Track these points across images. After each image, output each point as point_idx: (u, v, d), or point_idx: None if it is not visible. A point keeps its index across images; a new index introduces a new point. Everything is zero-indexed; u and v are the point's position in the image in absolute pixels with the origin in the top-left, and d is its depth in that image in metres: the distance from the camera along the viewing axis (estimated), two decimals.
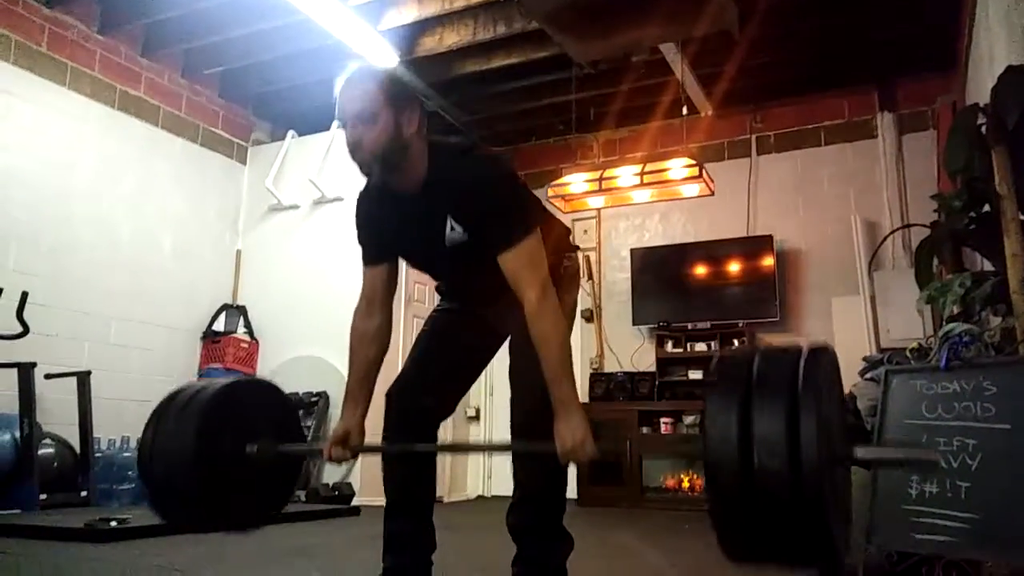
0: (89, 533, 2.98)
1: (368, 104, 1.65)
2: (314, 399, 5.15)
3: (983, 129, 2.38)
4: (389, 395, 1.89)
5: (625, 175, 5.00)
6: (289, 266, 5.74)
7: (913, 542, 2.02)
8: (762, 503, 1.16)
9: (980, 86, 3.54)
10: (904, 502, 2.06)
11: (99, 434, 4.35)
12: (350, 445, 1.81)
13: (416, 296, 5.40)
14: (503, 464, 1.94)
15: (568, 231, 2.15)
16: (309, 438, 4.94)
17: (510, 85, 5.74)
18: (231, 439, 1.83)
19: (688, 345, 5.70)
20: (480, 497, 6.17)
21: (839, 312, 5.39)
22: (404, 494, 1.88)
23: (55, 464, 4.11)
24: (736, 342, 5.53)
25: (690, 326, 5.73)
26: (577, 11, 4.42)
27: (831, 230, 5.63)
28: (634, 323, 6.00)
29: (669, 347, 5.75)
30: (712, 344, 5.62)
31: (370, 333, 1.86)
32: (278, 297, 5.70)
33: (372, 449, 1.88)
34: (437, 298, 2.13)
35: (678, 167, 4.87)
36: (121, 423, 4.71)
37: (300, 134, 5.96)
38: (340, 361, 5.10)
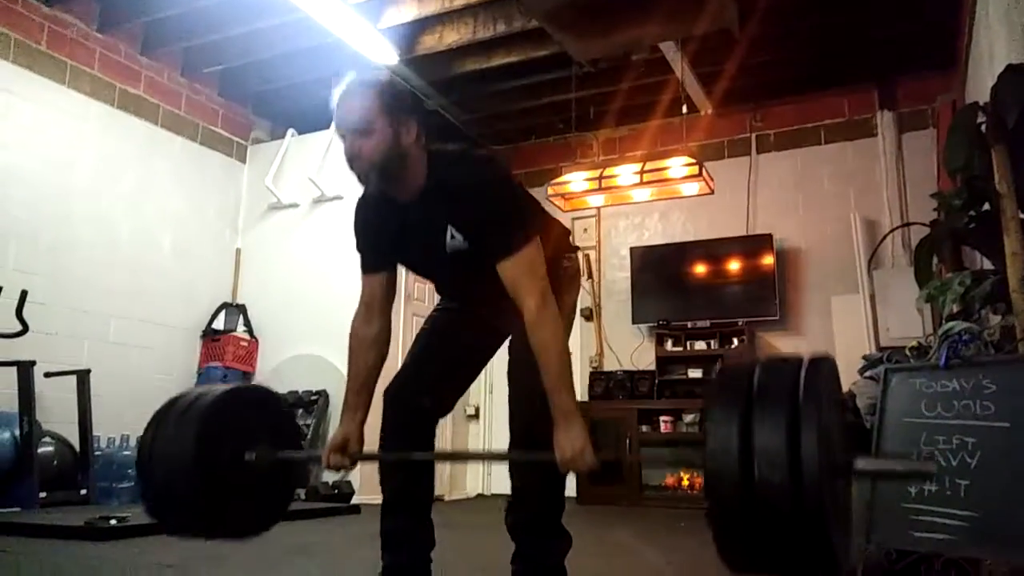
0: (89, 531, 2.98)
1: (365, 115, 1.65)
2: (314, 397, 5.15)
3: (983, 128, 2.38)
4: (387, 393, 1.89)
5: (625, 174, 5.00)
6: (289, 264, 5.74)
7: (912, 540, 2.02)
8: (763, 514, 1.16)
9: (980, 85, 3.54)
10: (903, 500, 2.06)
11: (99, 432, 4.35)
12: (349, 452, 1.81)
13: (416, 295, 5.40)
14: (503, 463, 1.95)
15: (567, 231, 2.15)
16: (308, 436, 4.95)
17: (510, 84, 5.74)
18: (230, 445, 1.83)
19: (688, 344, 5.70)
20: (480, 495, 6.18)
21: (839, 311, 5.39)
22: (402, 492, 1.88)
23: (55, 462, 4.12)
24: (736, 341, 5.53)
25: (690, 325, 5.73)
26: (577, 9, 4.42)
27: (831, 229, 5.63)
28: (634, 321, 6.00)
29: (669, 346, 5.75)
30: (712, 343, 5.62)
31: (369, 340, 1.86)
32: (278, 295, 5.70)
33: (371, 457, 1.88)
34: (437, 297, 2.12)
35: (678, 166, 4.87)
36: (121, 421, 4.71)
37: (300, 132, 5.95)
38: (340, 359, 5.08)
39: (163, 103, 5.48)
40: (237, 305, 5.79)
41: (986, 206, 2.42)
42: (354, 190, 1.93)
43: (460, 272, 1.84)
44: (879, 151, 5.59)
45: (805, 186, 5.83)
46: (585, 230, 6.46)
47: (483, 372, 2.12)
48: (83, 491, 4.09)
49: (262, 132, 6.30)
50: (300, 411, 5.16)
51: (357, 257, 1.90)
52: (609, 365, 6.08)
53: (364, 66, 5.24)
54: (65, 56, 4.84)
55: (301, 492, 4.69)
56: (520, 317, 1.67)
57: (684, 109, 5.42)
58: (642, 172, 4.91)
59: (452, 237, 1.73)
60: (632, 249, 6.14)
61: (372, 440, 1.88)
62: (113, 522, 3.03)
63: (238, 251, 6.02)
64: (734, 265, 5.75)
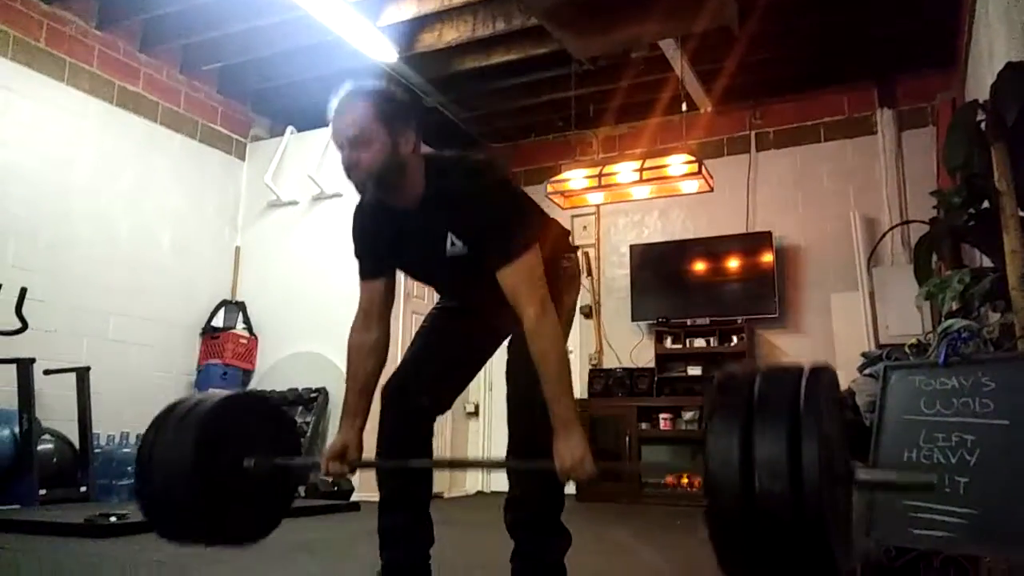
0: (89, 529, 2.98)
1: (363, 127, 1.64)
2: (313, 395, 5.15)
3: (983, 125, 2.38)
4: (386, 391, 1.89)
5: (624, 171, 5.00)
6: (288, 262, 5.74)
7: (911, 537, 2.02)
8: (763, 525, 1.15)
9: (980, 82, 3.54)
10: (903, 497, 2.06)
11: (98, 430, 4.36)
12: (348, 460, 1.81)
13: (415, 292, 5.40)
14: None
15: (567, 232, 2.15)
16: (308, 434, 4.96)
17: (509, 81, 5.74)
18: (229, 452, 1.83)
19: (687, 341, 5.71)
20: (479, 493, 6.18)
21: (838, 308, 5.39)
22: (400, 490, 1.88)
23: (54, 460, 4.12)
24: (735, 338, 5.54)
25: (689, 322, 5.73)
26: (576, 7, 4.41)
27: (830, 226, 5.64)
28: (633, 319, 6.01)
29: (668, 343, 5.75)
30: (711, 340, 5.62)
31: (368, 347, 1.85)
32: (277, 293, 5.70)
33: (370, 464, 1.88)
34: (437, 295, 2.12)
35: (677, 163, 4.87)
36: (120, 419, 4.72)
37: (299, 130, 5.95)
38: (339, 357, 5.06)
39: (162, 100, 5.48)
40: (236, 302, 5.79)
41: (985, 204, 2.42)
42: (353, 189, 1.93)
43: (460, 278, 1.84)
44: (879, 149, 5.59)
45: (805, 184, 5.83)
46: (584, 228, 6.46)
47: (483, 370, 2.13)
48: (83, 488, 4.09)
49: (261, 129, 6.29)
50: (300, 408, 5.16)
51: (355, 263, 1.89)
52: (609, 362, 6.09)
53: (363, 64, 5.25)
54: (64, 53, 4.83)
55: (301, 489, 4.69)
56: (520, 324, 1.67)
57: (684, 107, 5.42)
58: (642, 170, 4.90)
59: (452, 244, 1.73)
60: (632, 247, 6.14)
61: (371, 439, 1.88)
62: (113, 519, 3.04)
63: (237, 248, 6.01)
64: (733, 263, 5.76)
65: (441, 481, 5.78)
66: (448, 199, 1.72)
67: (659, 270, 6.01)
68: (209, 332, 5.60)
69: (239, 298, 5.84)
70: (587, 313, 6.26)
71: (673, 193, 5.35)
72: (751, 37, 4.85)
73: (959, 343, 2.14)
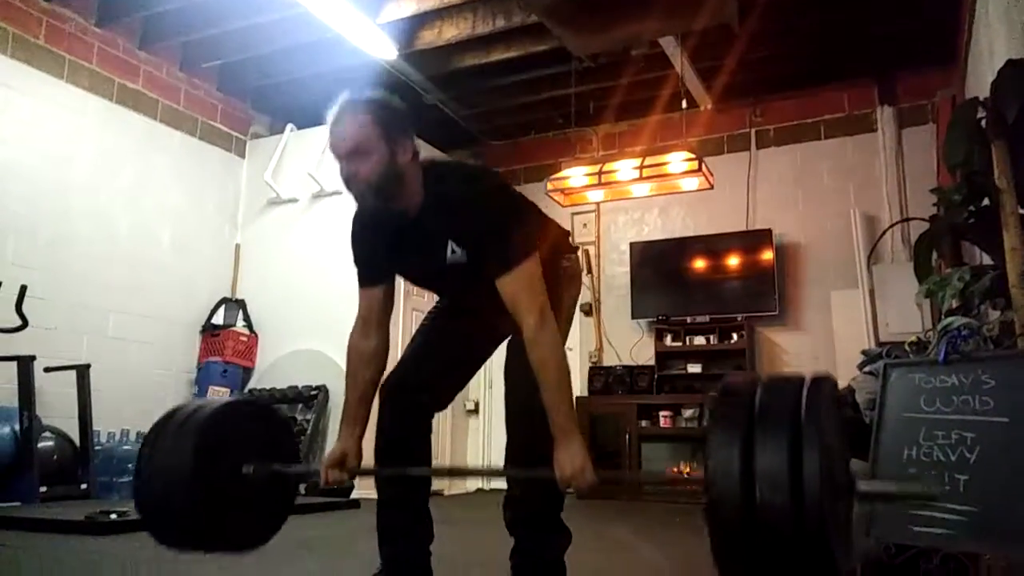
0: (89, 526, 2.99)
1: (361, 138, 1.64)
2: (313, 392, 5.15)
3: (983, 123, 2.38)
4: (385, 387, 1.89)
5: (624, 169, 5.00)
6: (288, 260, 5.74)
7: (911, 535, 2.02)
8: (765, 537, 1.15)
9: (980, 80, 3.54)
10: (900, 480, 2.06)
11: (98, 427, 4.36)
12: (347, 467, 1.81)
13: (415, 291, 5.39)
14: (502, 458, 1.94)
15: (566, 233, 2.15)
16: (308, 431, 4.96)
17: (509, 79, 5.73)
18: (228, 458, 1.84)
19: (687, 339, 5.71)
20: (479, 490, 6.18)
21: (838, 306, 5.39)
22: (398, 487, 1.89)
23: (55, 457, 4.12)
24: (735, 336, 5.54)
25: (689, 320, 5.73)
26: (576, 4, 4.41)
27: (830, 224, 5.64)
28: (633, 317, 6.01)
29: (668, 341, 5.75)
30: (711, 338, 5.63)
31: (367, 354, 1.85)
32: (277, 290, 5.70)
33: (370, 472, 1.88)
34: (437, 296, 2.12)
35: (677, 161, 4.87)
36: (120, 416, 4.73)
37: (299, 127, 5.94)
38: (339, 355, 5.06)
39: (162, 98, 5.47)
40: (236, 300, 5.79)
41: (986, 201, 2.42)
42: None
43: (460, 285, 1.84)
44: (879, 146, 5.59)
45: (805, 181, 5.83)
46: (584, 225, 6.46)
47: (483, 368, 2.13)
48: (83, 486, 4.09)
49: (261, 127, 6.29)
50: (300, 406, 5.17)
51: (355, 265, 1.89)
52: (608, 360, 6.09)
53: (363, 61, 5.24)
54: (63, 50, 4.83)
55: (301, 487, 4.69)
56: (519, 331, 1.67)
57: (684, 104, 5.42)
58: (642, 167, 4.90)
59: (452, 252, 1.73)
60: (632, 244, 6.14)
61: (370, 433, 1.88)
62: (113, 516, 3.04)
63: (237, 246, 6.01)
64: (733, 260, 5.76)
65: (441, 479, 5.78)
66: (447, 206, 1.72)
67: (659, 268, 6.01)
68: (209, 330, 5.60)
69: (239, 296, 5.84)
70: (587, 311, 6.26)
71: (673, 191, 5.34)
72: (751, 34, 4.84)
73: (959, 341, 2.14)
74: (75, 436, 4.22)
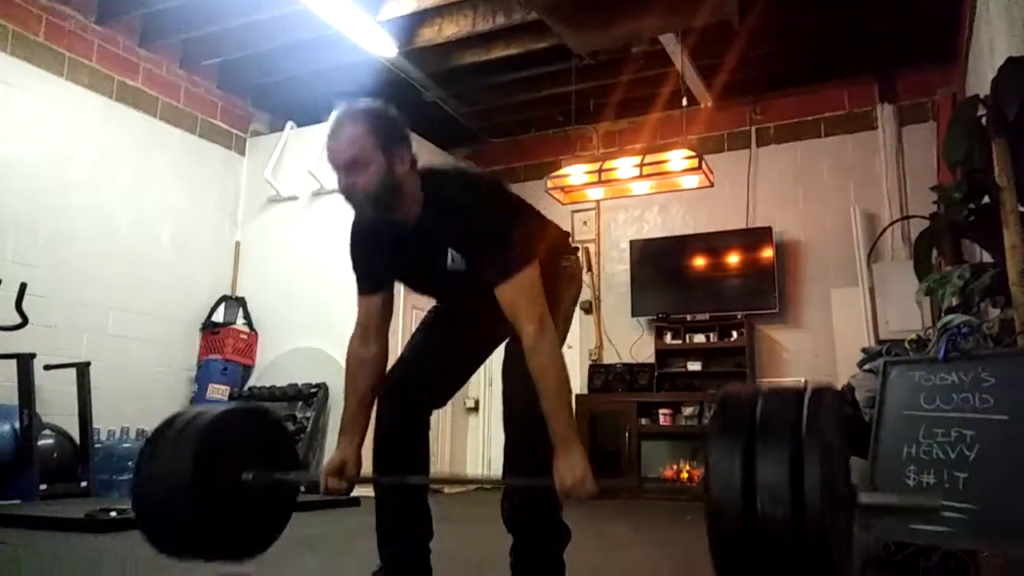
0: (89, 523, 2.99)
1: (358, 150, 1.64)
2: (313, 390, 5.15)
3: (983, 121, 2.38)
4: (385, 384, 1.89)
5: (624, 167, 4.99)
6: (288, 257, 5.74)
7: (910, 532, 2.02)
8: (765, 549, 1.15)
9: (980, 78, 3.53)
10: (902, 492, 2.06)
11: (98, 425, 4.36)
12: (347, 476, 1.81)
13: None
14: (501, 458, 1.94)
15: (566, 234, 2.13)
16: (308, 429, 4.96)
17: (509, 76, 5.73)
18: (227, 466, 1.84)
19: (687, 336, 5.71)
20: (479, 488, 6.19)
21: (838, 304, 5.39)
22: (397, 485, 1.89)
23: (55, 455, 4.12)
24: (735, 334, 5.54)
25: (689, 318, 5.73)
26: (576, 2, 4.40)
27: (830, 222, 5.63)
28: (633, 314, 6.01)
29: (668, 338, 5.75)
30: (711, 336, 5.63)
31: (366, 362, 1.85)
32: (277, 288, 5.70)
33: (369, 480, 1.88)
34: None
35: (677, 159, 4.86)
36: (120, 414, 4.73)
37: (299, 125, 5.94)
38: (338, 352, 5.07)
39: (162, 95, 5.47)
40: (236, 298, 5.78)
41: (986, 199, 2.42)
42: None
43: (460, 291, 1.84)
44: (879, 144, 5.59)
45: (805, 179, 5.83)
46: (584, 223, 6.46)
47: (483, 365, 2.13)
48: (83, 483, 4.09)
49: (261, 125, 6.28)
50: (300, 404, 5.17)
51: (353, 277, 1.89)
52: (608, 358, 6.09)
53: (363, 59, 5.24)
54: (63, 48, 4.82)
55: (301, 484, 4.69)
56: (518, 339, 1.67)
57: (684, 102, 5.41)
58: (642, 165, 4.89)
59: (452, 260, 1.73)
60: (632, 242, 6.14)
61: (368, 436, 1.88)
62: (113, 514, 3.04)
63: (237, 244, 6.01)
64: (733, 258, 5.76)
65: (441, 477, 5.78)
66: (446, 213, 1.72)
67: (659, 265, 6.01)
68: (209, 327, 5.60)
69: (239, 293, 5.84)
70: (587, 309, 6.26)
71: (673, 188, 5.34)
72: (751, 32, 4.84)
73: (959, 338, 2.14)
74: (75, 434, 4.22)
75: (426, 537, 1.89)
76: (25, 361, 3.89)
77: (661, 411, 5.50)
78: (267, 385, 5.38)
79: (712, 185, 5.11)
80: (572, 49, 5.00)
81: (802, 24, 5.11)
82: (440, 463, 5.83)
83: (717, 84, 5.65)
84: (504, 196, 1.86)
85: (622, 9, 4.51)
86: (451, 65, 5.51)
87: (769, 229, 5.66)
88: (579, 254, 2.15)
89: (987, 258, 2.53)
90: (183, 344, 5.52)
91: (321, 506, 4.15)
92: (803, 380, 5.28)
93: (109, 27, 5.08)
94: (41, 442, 3.98)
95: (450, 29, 5.05)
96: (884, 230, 5.37)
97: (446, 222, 1.72)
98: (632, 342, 6.05)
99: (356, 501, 4.42)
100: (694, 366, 5.64)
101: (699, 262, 5.89)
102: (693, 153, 4.85)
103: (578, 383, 5.92)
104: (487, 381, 6.23)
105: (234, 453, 1.87)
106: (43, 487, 3.87)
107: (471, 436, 6.37)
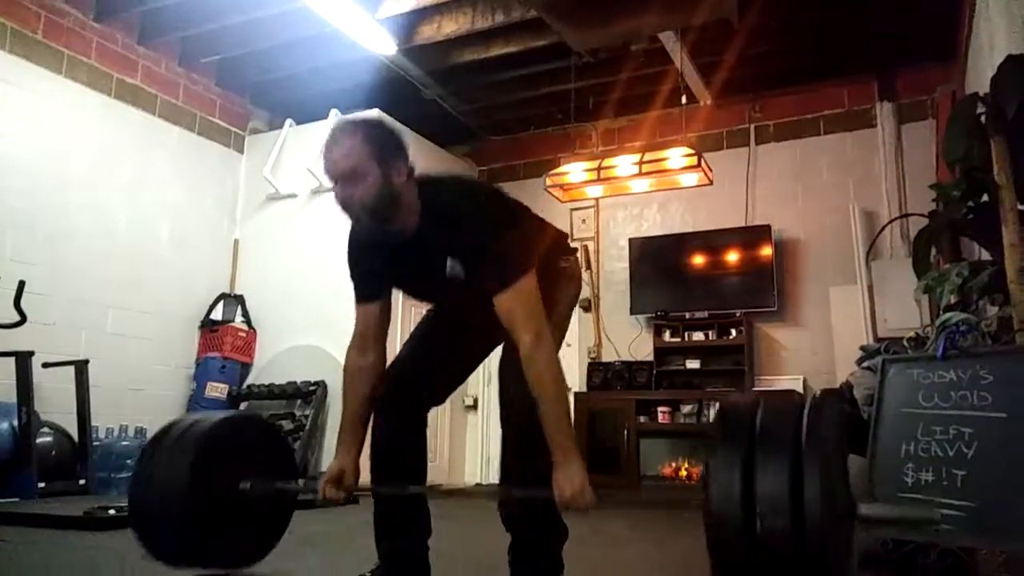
0: (88, 521, 2.99)
1: (355, 163, 1.65)
2: (312, 388, 5.15)
3: (982, 119, 2.38)
4: (384, 384, 1.89)
5: (624, 164, 4.99)
6: (287, 255, 5.73)
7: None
8: (765, 562, 1.15)
9: (980, 76, 3.53)
10: (900, 490, 2.07)
11: (97, 423, 4.36)
12: (345, 485, 1.82)
13: None
14: (501, 463, 1.93)
15: (564, 235, 2.13)
16: (307, 427, 4.96)
17: (509, 74, 5.72)
18: (224, 475, 1.84)
19: (686, 334, 5.70)
20: (478, 485, 6.19)
21: (837, 301, 5.39)
22: (395, 484, 1.89)
23: (53, 453, 4.12)
24: (734, 332, 5.54)
25: (688, 315, 5.73)
26: None
27: (829, 220, 5.63)
28: (632, 312, 6.01)
29: (667, 336, 5.75)
30: (710, 333, 5.63)
31: (364, 371, 1.85)
32: (276, 286, 5.70)
33: (367, 490, 1.88)
34: None
35: (677, 156, 4.86)
36: (119, 412, 4.73)
37: (298, 123, 5.93)
38: (337, 350, 5.05)
39: (160, 93, 5.46)
40: (235, 296, 5.78)
41: (985, 197, 2.43)
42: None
43: (459, 298, 1.84)
44: (878, 142, 5.58)
45: (804, 177, 5.82)
46: (584, 221, 6.46)
47: (482, 364, 2.13)
48: (82, 481, 4.09)
49: (260, 122, 6.28)
50: (299, 402, 5.17)
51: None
52: (607, 356, 6.09)
53: (362, 56, 5.23)
54: (62, 45, 4.81)
55: (301, 482, 4.69)
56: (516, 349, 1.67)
57: (683, 100, 5.41)
58: (641, 163, 4.89)
59: (451, 268, 1.73)
60: (631, 240, 6.14)
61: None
62: (112, 512, 3.04)
63: (236, 242, 6.01)
64: (732, 256, 5.75)
65: (440, 474, 5.79)
66: (444, 222, 1.72)
67: (658, 263, 6.01)
68: (208, 325, 5.60)
69: (238, 291, 5.83)
70: (586, 306, 6.26)
71: (672, 186, 5.33)
72: (751, 30, 4.83)
73: (957, 336, 2.15)
74: (73, 432, 4.21)
75: (424, 534, 1.89)
76: (24, 359, 3.89)
77: (660, 409, 5.50)
78: (266, 383, 5.38)
79: (711, 183, 5.11)
80: (571, 47, 5.00)
81: (801, 22, 5.10)
82: (439, 461, 5.83)
83: (716, 82, 5.65)
84: (501, 203, 1.86)
85: (621, 7, 4.51)
86: (450, 63, 5.50)
87: (768, 227, 5.66)
88: (578, 254, 2.15)
89: (986, 256, 2.53)
90: (182, 342, 5.52)
91: (321, 504, 4.14)
92: (802, 378, 5.26)
93: (108, 24, 5.07)
94: (39, 440, 3.98)
95: (449, 27, 5.04)
96: (883, 228, 5.37)
97: (444, 231, 1.72)
98: (631, 340, 6.05)
99: (355, 499, 4.43)
100: (693, 364, 5.64)
101: (698, 260, 5.88)
102: (692, 151, 4.85)
103: (577, 381, 5.92)
104: (486, 379, 6.22)
105: (231, 462, 1.87)
106: (41, 485, 3.87)
107: (470, 434, 6.37)
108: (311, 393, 5.13)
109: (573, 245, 2.20)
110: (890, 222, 5.35)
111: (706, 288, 5.81)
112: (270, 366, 5.53)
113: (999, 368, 2.03)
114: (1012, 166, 2.22)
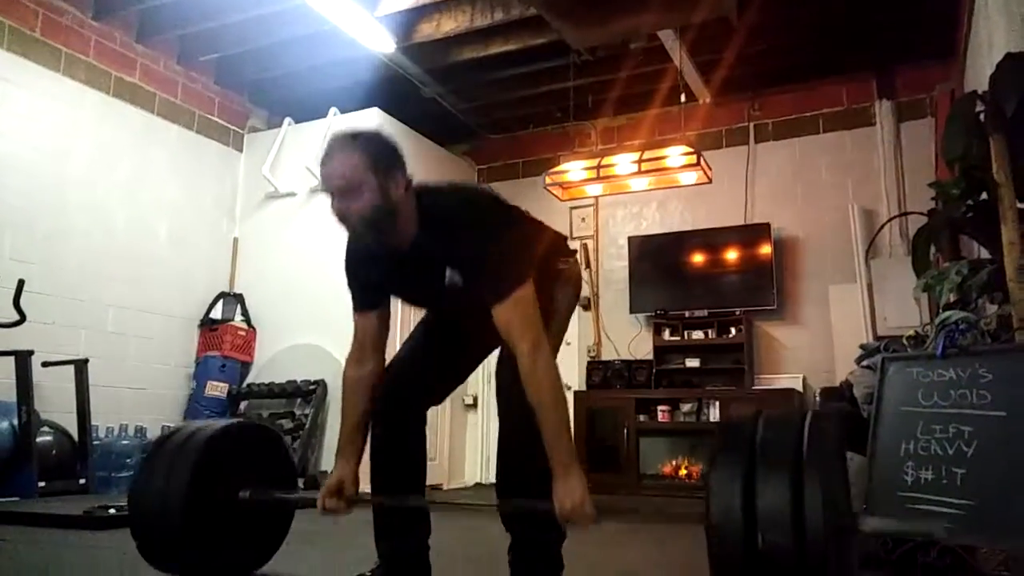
0: (88, 520, 2.99)
1: (352, 177, 1.64)
2: (312, 387, 5.15)
3: (981, 117, 2.38)
4: (383, 385, 1.89)
5: (623, 163, 4.98)
6: (286, 254, 5.73)
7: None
8: None
9: (979, 74, 3.53)
10: (899, 488, 2.07)
11: (97, 422, 4.36)
12: (345, 495, 1.82)
13: None
14: (502, 463, 1.92)
15: (564, 237, 2.13)
16: (307, 426, 4.96)
17: (508, 72, 5.72)
18: (224, 483, 1.84)
19: (685, 333, 5.70)
20: (478, 484, 6.20)
21: (836, 300, 5.39)
22: (395, 480, 1.89)
23: (53, 452, 4.12)
24: (733, 330, 5.54)
25: (687, 314, 5.73)
26: None
27: (829, 218, 5.63)
28: (631, 311, 6.01)
29: (666, 335, 5.75)
30: (709, 332, 5.62)
31: (364, 381, 1.85)
32: (275, 285, 5.70)
33: (367, 500, 1.89)
34: None
35: (676, 155, 4.86)
36: (119, 411, 4.73)
37: (297, 121, 5.93)
38: (337, 349, 5.10)
39: (159, 91, 5.45)
40: (235, 294, 5.78)
41: (984, 195, 2.43)
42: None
43: (458, 306, 1.84)
44: (877, 140, 5.58)
45: (803, 175, 5.82)
46: (583, 220, 6.45)
47: (482, 363, 2.13)
48: (82, 480, 4.09)
49: (259, 121, 6.27)
50: (299, 401, 5.17)
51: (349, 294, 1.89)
52: (607, 354, 6.09)
53: (361, 54, 5.23)
54: (60, 44, 4.80)
55: (300, 481, 4.70)
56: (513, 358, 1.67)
57: (682, 98, 5.40)
58: (640, 161, 4.89)
59: (450, 278, 1.74)
60: (630, 238, 6.14)
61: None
62: (112, 511, 3.04)
63: (235, 240, 6.00)
64: (732, 254, 5.75)
65: (440, 473, 5.79)
66: (443, 232, 1.72)
67: (657, 262, 6.01)
68: (207, 324, 5.60)
69: (237, 290, 5.83)
70: (585, 305, 6.26)
71: (671, 185, 5.33)
72: (750, 28, 4.83)
73: (957, 335, 2.15)
74: (73, 431, 4.22)
75: (425, 534, 1.89)
76: (23, 358, 3.89)
77: (659, 408, 5.50)
78: (266, 382, 5.38)
79: (710, 181, 5.11)
80: (570, 45, 5.00)
81: (800, 20, 5.10)
82: (439, 460, 5.83)
83: (715, 80, 5.64)
84: (499, 211, 1.85)
85: (620, 5, 4.50)
86: (449, 61, 5.49)
87: (767, 225, 5.66)
88: (577, 256, 2.15)
89: (985, 254, 2.53)
90: (181, 341, 5.51)
91: None
92: (802, 377, 5.26)
93: (106, 23, 5.06)
94: (39, 439, 3.99)
95: (448, 25, 5.04)
96: (882, 226, 5.37)
97: (443, 241, 1.72)
98: (630, 338, 6.05)
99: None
100: (692, 363, 5.64)
101: (697, 258, 5.88)
102: (691, 149, 4.85)
103: (576, 379, 5.92)
104: (486, 378, 6.22)
105: (231, 470, 1.87)
106: (41, 484, 3.87)
107: (470, 433, 6.37)
108: (311, 392, 5.13)
109: (573, 246, 2.20)
110: (889, 220, 5.35)
111: (706, 287, 5.81)
112: (270, 365, 5.53)
113: (998, 366, 2.03)
114: (1011, 164, 2.22)
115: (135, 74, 5.29)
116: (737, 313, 5.56)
